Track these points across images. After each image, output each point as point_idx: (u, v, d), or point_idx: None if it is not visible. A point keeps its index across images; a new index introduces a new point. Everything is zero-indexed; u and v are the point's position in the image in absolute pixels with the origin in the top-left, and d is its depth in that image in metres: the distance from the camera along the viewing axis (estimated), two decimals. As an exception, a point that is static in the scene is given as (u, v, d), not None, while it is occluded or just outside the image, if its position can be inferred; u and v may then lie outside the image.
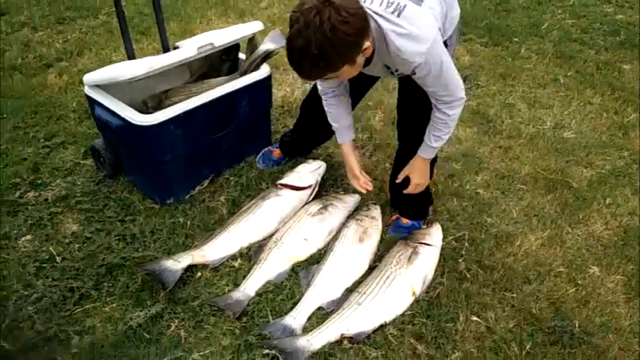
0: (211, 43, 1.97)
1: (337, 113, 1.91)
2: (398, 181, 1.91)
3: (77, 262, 1.85)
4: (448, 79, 1.57)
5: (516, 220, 2.11)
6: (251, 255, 1.90)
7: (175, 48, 2.27)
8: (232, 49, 2.34)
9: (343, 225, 2.01)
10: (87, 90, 2.04)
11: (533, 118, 2.72)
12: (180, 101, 2.08)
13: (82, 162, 2.33)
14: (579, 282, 1.87)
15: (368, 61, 1.56)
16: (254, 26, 2.14)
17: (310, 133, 2.26)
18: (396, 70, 1.60)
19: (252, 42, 2.34)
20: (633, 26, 3.58)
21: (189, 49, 1.94)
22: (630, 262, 1.96)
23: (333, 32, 1.31)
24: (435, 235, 1.94)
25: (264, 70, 2.20)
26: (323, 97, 1.89)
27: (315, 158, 2.36)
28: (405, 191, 1.90)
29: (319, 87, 1.89)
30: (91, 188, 2.18)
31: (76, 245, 1.92)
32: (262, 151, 2.39)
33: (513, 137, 2.57)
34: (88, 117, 2.63)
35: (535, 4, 3.94)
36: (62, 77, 2.94)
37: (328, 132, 2.25)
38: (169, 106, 2.06)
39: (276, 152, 2.39)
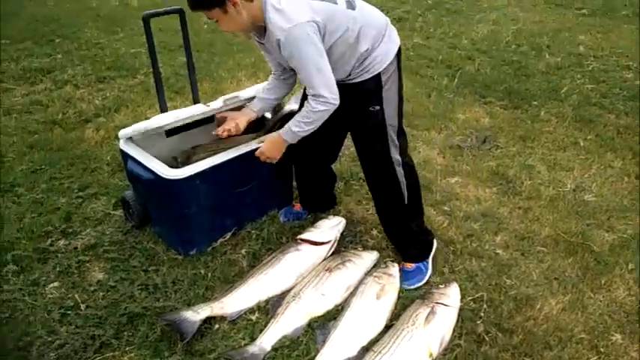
0: (237, 96, 2.10)
1: (269, 88, 2.12)
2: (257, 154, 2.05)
3: (100, 310, 1.90)
4: (310, 72, 1.72)
5: (536, 282, 2.09)
6: (269, 309, 1.93)
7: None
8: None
9: (361, 282, 2.03)
10: (121, 144, 2.17)
11: (554, 180, 2.74)
12: (208, 157, 2.19)
13: (112, 212, 2.43)
14: (602, 350, 1.83)
15: (264, 32, 1.78)
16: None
17: (300, 177, 2.39)
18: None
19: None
20: (654, 93, 3.63)
21: (216, 102, 2.06)
22: (655, 331, 1.91)
23: None
24: (452, 296, 1.93)
25: (288, 129, 2.30)
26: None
27: (335, 214, 2.42)
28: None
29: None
30: (118, 238, 2.27)
31: (101, 293, 1.98)
32: (285, 208, 2.46)
33: (533, 198, 2.59)
34: (120, 170, 2.76)
35: (554, 69, 4.04)
36: (99, 132, 3.11)
37: (329, 194, 2.32)
38: (197, 161, 2.17)
39: (297, 206, 2.46)
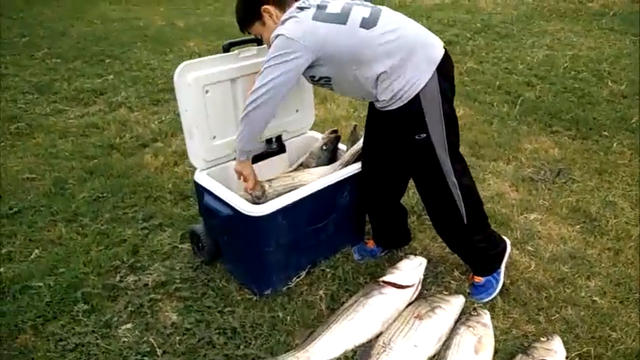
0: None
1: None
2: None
3: (179, 357, 1.79)
4: (265, 75, 1.73)
5: (642, 329, 1.92)
6: (357, 359, 1.79)
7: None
8: (334, 139, 2.38)
9: (453, 331, 1.88)
10: (197, 177, 2.08)
11: (627, 224, 2.56)
12: (284, 189, 2.09)
13: (179, 246, 2.34)
14: None
15: None
16: None
17: (372, 217, 2.29)
18: None
19: (354, 133, 2.37)
20: None
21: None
22: None
23: None
24: (559, 351, 1.77)
25: (366, 163, 2.19)
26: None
27: (411, 252, 2.29)
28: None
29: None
30: (189, 275, 2.17)
31: (177, 337, 1.87)
32: (358, 245, 2.34)
33: (622, 239, 2.42)
34: (182, 199, 2.68)
35: (620, 97, 3.87)
36: (158, 157, 3.05)
37: (376, 213, 2.27)
38: (272, 194, 2.08)
39: (370, 243, 2.34)
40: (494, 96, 3.95)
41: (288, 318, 1.96)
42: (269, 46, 1.79)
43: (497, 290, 2.08)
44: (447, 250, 2.34)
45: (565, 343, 1.85)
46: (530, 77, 4.25)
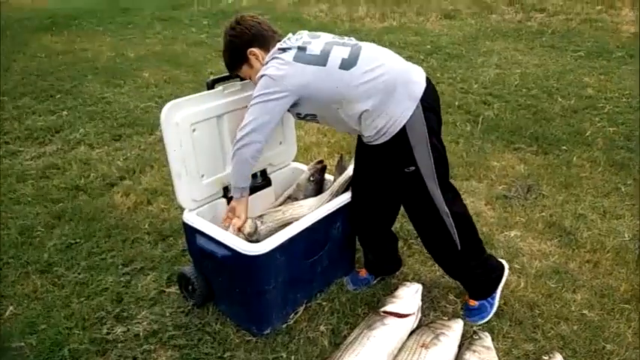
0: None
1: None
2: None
3: (185, 411, 1.70)
4: (251, 113, 1.79)
5: (634, 345, 2.00)
6: (369, 395, 1.76)
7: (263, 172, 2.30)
8: (320, 170, 2.37)
9: (459, 357, 1.89)
10: (186, 218, 2.00)
11: (610, 229, 2.70)
12: (275, 225, 2.06)
13: (166, 290, 2.24)
14: None
15: None
16: None
17: (364, 245, 2.29)
18: None
19: (340, 163, 2.37)
20: (676, 134, 3.72)
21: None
22: None
23: (226, 37, 1.93)
24: (562, 368, 1.83)
25: (356, 192, 2.19)
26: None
27: (404, 278, 2.30)
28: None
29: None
30: (181, 320, 2.07)
31: (179, 390, 1.78)
32: (350, 274, 2.33)
33: (598, 250, 2.53)
34: (162, 239, 2.58)
35: (571, 112, 4.10)
36: (129, 197, 2.92)
37: (368, 242, 2.28)
38: (264, 230, 2.04)
39: (362, 272, 2.34)
40: (456, 116, 4.08)
41: (292, 358, 1.91)
42: (255, 85, 1.82)
43: (491, 314, 2.11)
44: (439, 273, 2.37)
45: (565, 359, 1.90)
46: (486, 96, 4.43)
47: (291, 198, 2.36)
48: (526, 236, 2.64)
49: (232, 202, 1.98)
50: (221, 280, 2.02)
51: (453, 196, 1.98)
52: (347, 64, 1.77)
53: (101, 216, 2.73)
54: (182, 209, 2.05)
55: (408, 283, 2.19)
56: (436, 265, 2.43)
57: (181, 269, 2.17)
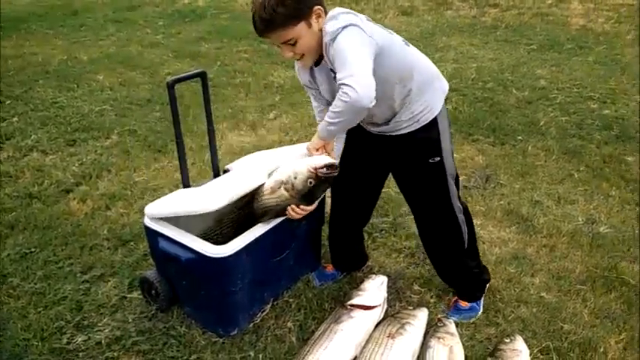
0: (278, 168, 1.96)
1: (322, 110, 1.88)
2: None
3: (151, 417, 1.66)
4: (346, 57, 1.52)
5: (590, 323, 2.09)
6: (338, 388, 1.77)
7: (226, 171, 2.26)
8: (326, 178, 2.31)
9: (425, 345, 1.93)
10: (147, 222, 1.96)
11: (565, 214, 2.80)
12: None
13: (127, 296, 2.18)
14: (676, 386, 1.84)
15: (319, 60, 1.72)
16: (304, 148, 2.14)
17: (336, 240, 2.29)
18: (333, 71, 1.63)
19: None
20: (622, 120, 3.88)
21: (259, 175, 1.91)
22: None
23: None
24: (523, 350, 1.87)
25: (320, 189, 2.19)
26: (309, 92, 1.94)
27: (370, 271, 2.32)
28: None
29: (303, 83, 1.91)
30: (145, 325, 2.03)
31: (145, 396, 1.74)
32: (316, 270, 2.33)
33: (554, 235, 2.62)
34: (122, 244, 2.51)
35: (525, 103, 4.23)
36: (86, 203, 2.83)
37: (343, 234, 2.27)
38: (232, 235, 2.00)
39: (329, 267, 2.35)
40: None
41: (260, 356, 1.90)
42: (302, 56, 1.69)
43: (480, 312, 2.12)
44: (404, 264, 2.41)
45: (525, 340, 1.96)
46: (444, 90, 4.51)
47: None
48: (486, 224, 2.71)
49: (317, 143, 1.80)
50: (185, 284, 1.99)
51: (459, 190, 1.98)
52: (406, 43, 1.75)
53: (57, 224, 2.64)
54: (142, 213, 2.00)
55: (374, 276, 2.21)
56: (401, 256, 2.48)
57: (143, 274, 2.12)
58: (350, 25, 1.57)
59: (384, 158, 1.95)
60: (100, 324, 2.04)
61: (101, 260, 2.39)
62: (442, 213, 1.94)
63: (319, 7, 1.62)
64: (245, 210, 2.22)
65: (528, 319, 2.10)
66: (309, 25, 1.62)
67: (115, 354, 1.90)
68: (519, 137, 3.66)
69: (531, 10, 7.08)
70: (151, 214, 1.92)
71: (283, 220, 2.01)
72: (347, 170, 1.97)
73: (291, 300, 2.18)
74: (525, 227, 2.70)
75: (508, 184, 3.09)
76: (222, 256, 1.79)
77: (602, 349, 1.96)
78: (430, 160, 1.83)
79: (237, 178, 2.03)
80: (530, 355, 1.90)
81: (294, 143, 3.59)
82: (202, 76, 2.08)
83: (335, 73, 1.58)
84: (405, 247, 2.53)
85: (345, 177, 1.97)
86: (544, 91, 4.45)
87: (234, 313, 1.98)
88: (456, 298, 2.16)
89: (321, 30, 1.64)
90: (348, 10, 1.66)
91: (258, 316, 2.08)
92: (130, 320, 2.06)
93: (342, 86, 1.52)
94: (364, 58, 1.54)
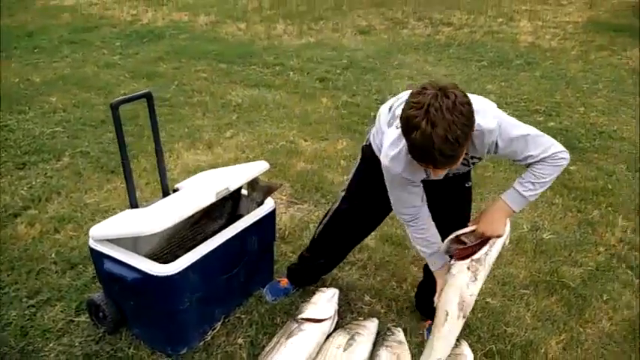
0: (227, 188, 1.98)
1: (430, 236, 1.80)
2: (467, 228, 1.78)
3: None
4: (531, 137, 1.60)
5: (532, 326, 2.17)
6: (287, 402, 1.78)
7: (175, 190, 2.27)
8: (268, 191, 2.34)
9: (373, 354, 1.96)
10: (92, 244, 1.94)
11: (511, 223, 2.89)
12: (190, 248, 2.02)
13: (75, 319, 2.14)
14: (611, 383, 1.92)
15: None
16: (260, 166, 2.17)
17: (326, 262, 2.27)
18: (471, 157, 1.66)
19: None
20: (566, 131, 4.06)
21: (207, 195, 1.92)
22: (647, 356, 2.05)
23: (463, 106, 1.35)
24: (467, 354, 1.94)
25: (269, 205, 2.22)
26: (412, 224, 1.78)
27: (324, 285, 2.35)
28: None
29: (403, 217, 1.79)
30: (92, 349, 1.99)
31: (90, 420, 1.71)
32: (269, 284, 2.34)
33: (500, 243, 2.72)
34: (70, 267, 2.47)
35: (475, 117, 4.37)
36: (34, 226, 2.77)
37: (341, 257, 2.29)
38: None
39: (284, 282, 2.36)
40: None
41: (210, 374, 1.90)
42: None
43: None
44: (355, 277, 2.45)
45: (470, 345, 2.02)
46: (398, 106, 4.62)
47: (207, 215, 2.30)
48: (436, 235, 2.78)
49: (491, 216, 1.74)
50: (133, 304, 1.97)
51: None
52: None
53: (3, 248, 2.57)
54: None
55: (324, 289, 2.25)
56: (353, 268, 2.52)
57: (90, 296, 2.09)
58: (496, 113, 1.61)
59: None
60: (45, 349, 2.00)
61: (48, 284, 2.34)
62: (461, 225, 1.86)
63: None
64: (196, 228, 2.24)
65: (474, 324, 2.16)
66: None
67: (60, 379, 1.87)
68: (469, 150, 3.79)
69: (482, 28, 7.35)
70: (96, 237, 1.91)
71: (233, 237, 2.03)
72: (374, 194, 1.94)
73: (242, 316, 2.18)
74: (473, 236, 2.78)
75: (458, 195, 3.19)
76: (167, 274, 1.79)
77: (542, 350, 2.04)
78: (466, 184, 1.92)
79: (185, 198, 2.04)
80: (475, 358, 1.96)
81: (250, 161, 3.62)
82: (148, 96, 2.09)
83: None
84: (357, 260, 2.57)
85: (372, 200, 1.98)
86: (493, 105, 4.62)
87: (182, 332, 1.97)
88: (428, 321, 2.10)
89: None
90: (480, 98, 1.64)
91: (208, 333, 2.07)
92: (77, 344, 2.02)
93: (552, 156, 1.61)
94: (533, 129, 1.64)
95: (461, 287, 1.73)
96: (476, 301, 2.26)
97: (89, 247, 1.96)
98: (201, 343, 2.03)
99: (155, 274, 1.78)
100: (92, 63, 5.86)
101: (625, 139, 3.99)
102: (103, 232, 1.89)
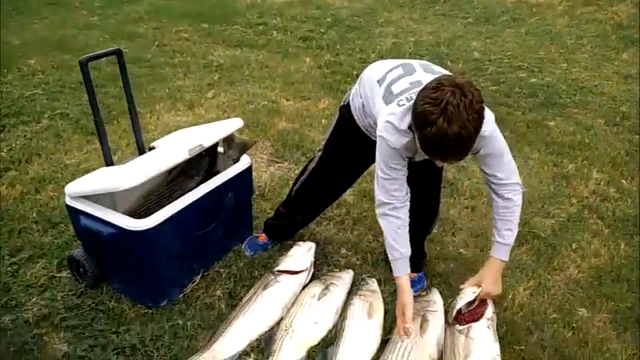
0: (201, 144, 1.99)
1: (403, 233, 1.79)
2: (463, 286, 1.89)
3: (77, 387, 1.71)
4: (505, 160, 1.73)
5: (502, 274, 2.24)
6: (263, 347, 1.86)
7: (151, 148, 2.28)
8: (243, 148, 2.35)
9: (347, 302, 2.03)
10: (68, 201, 1.96)
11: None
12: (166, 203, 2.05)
13: (57, 275, 2.18)
14: (574, 325, 2.01)
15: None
16: (234, 124, 2.19)
17: (303, 218, 2.32)
18: None
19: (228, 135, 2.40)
20: (547, 87, 4.08)
21: (180, 151, 1.94)
22: (609, 300, 2.14)
23: (478, 105, 1.41)
24: (437, 301, 2.01)
25: (245, 162, 2.24)
26: (387, 209, 1.76)
27: (302, 239, 2.40)
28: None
29: (382, 199, 1.76)
30: (74, 302, 2.04)
31: (72, 367, 1.77)
32: (248, 239, 2.39)
33: (476, 197, 2.77)
34: (52, 226, 2.49)
35: (459, 74, 4.36)
36: (15, 187, 2.78)
37: (317, 214, 2.34)
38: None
39: (262, 237, 2.40)
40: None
41: (189, 324, 1.96)
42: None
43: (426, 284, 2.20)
44: (333, 231, 2.51)
45: (441, 293, 2.10)
46: (381, 64, 4.60)
47: (184, 172, 2.32)
48: (414, 190, 2.83)
49: (490, 277, 1.85)
50: (111, 259, 2.01)
51: None
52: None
53: (-16, 209, 2.60)
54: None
55: (301, 243, 2.30)
56: (331, 223, 2.56)
57: (71, 253, 2.13)
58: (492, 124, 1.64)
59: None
60: (28, 303, 2.04)
61: (30, 243, 2.37)
62: (435, 192, 2.04)
63: None
64: (173, 186, 2.27)
65: (445, 274, 2.23)
66: None
67: (43, 331, 1.92)
68: (451, 107, 3.80)
69: (470, -17, 7.24)
70: (71, 193, 1.93)
71: (208, 193, 2.06)
72: (348, 152, 2.02)
73: (222, 270, 2.23)
74: (450, 191, 2.84)
75: (437, 152, 3.22)
76: (143, 229, 1.82)
77: (510, 296, 2.12)
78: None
79: (159, 155, 2.05)
80: (445, 305, 2.04)
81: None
82: (118, 53, 2.07)
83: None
84: (335, 215, 2.62)
85: (346, 160, 2.05)
86: (477, 62, 4.61)
87: (161, 285, 2.03)
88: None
89: None
90: None
91: (188, 286, 2.13)
92: (59, 298, 2.07)
93: (513, 188, 1.77)
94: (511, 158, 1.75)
95: (489, 348, 1.78)
96: (450, 251, 2.36)
97: (66, 204, 1.98)
98: (181, 296, 2.09)
99: (130, 228, 1.81)
100: (71, 24, 5.74)
101: (605, 93, 4.02)
102: (77, 188, 1.91)
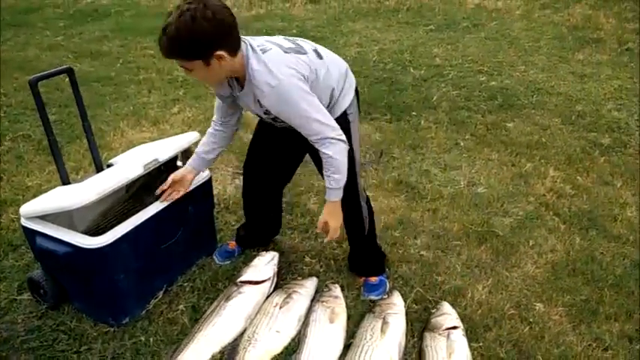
0: (156, 159, 2.01)
1: (209, 142, 2.04)
2: (317, 230, 1.96)
3: (37, 410, 1.69)
4: (309, 122, 1.70)
5: (462, 273, 2.30)
6: (226, 359, 1.86)
7: (109, 166, 2.28)
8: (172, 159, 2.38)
9: (310, 310, 2.06)
10: (24, 222, 1.95)
11: (449, 180, 3.02)
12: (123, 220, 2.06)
13: (17, 298, 2.16)
14: (530, 320, 2.07)
15: (241, 86, 1.75)
16: (190, 137, 2.21)
17: (260, 228, 2.35)
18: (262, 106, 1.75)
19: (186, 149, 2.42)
20: (506, 90, 4.19)
21: (135, 167, 1.95)
22: (565, 293, 2.21)
23: (193, 22, 1.51)
24: (398, 302, 2.05)
25: (204, 174, 2.26)
26: (212, 123, 2.04)
27: (266, 249, 2.42)
28: (326, 239, 1.97)
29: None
30: (34, 324, 2.02)
31: (31, 391, 1.76)
32: (217, 248, 2.42)
33: (437, 199, 2.83)
34: (12, 249, 2.47)
35: (421, 81, 4.46)
36: (-25, 212, 2.75)
37: (276, 223, 2.37)
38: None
39: (232, 244, 2.43)
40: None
41: (151, 340, 1.96)
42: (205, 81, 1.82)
43: (388, 286, 2.22)
44: (297, 240, 2.53)
45: (403, 295, 2.14)
46: (346, 73, 4.66)
47: (145, 188, 2.32)
48: (377, 196, 2.87)
49: (327, 214, 1.90)
50: (69, 278, 2.00)
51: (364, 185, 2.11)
52: (319, 56, 1.79)
53: (-57, 235, 2.56)
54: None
55: (264, 253, 2.32)
56: (295, 232, 2.59)
57: (30, 274, 2.11)
58: (286, 79, 1.64)
59: (301, 143, 1.89)
60: (-13, 329, 2.02)
61: (-10, 267, 2.35)
62: (349, 199, 1.95)
63: (222, 52, 1.59)
64: (133, 202, 2.27)
65: (407, 276, 2.28)
66: (207, 64, 1.62)
67: (4, 354, 1.90)
68: (413, 113, 3.88)
69: (432, -9, 7.41)
70: (26, 214, 1.92)
71: (166, 207, 2.07)
72: (263, 146, 2.16)
73: (185, 284, 2.24)
74: (412, 195, 2.89)
75: (400, 157, 3.29)
76: (98, 246, 1.82)
77: (469, 295, 2.17)
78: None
79: (115, 172, 2.05)
80: (405, 306, 2.08)
81: (202, 134, 3.62)
82: (69, 72, 2.08)
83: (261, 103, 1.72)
84: (299, 224, 2.65)
85: (261, 153, 2.18)
86: (439, 68, 4.71)
87: (122, 303, 2.02)
88: (363, 278, 2.23)
89: (226, 68, 1.65)
90: (267, 39, 1.74)
91: (150, 302, 2.12)
92: (20, 321, 2.05)
93: (323, 143, 1.73)
94: (322, 111, 1.71)
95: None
96: (411, 254, 2.41)
97: (21, 225, 1.97)
98: (144, 312, 2.08)
99: (85, 246, 1.81)
100: (34, 45, 5.68)
101: (561, 93, 4.15)
102: (32, 208, 1.90)
